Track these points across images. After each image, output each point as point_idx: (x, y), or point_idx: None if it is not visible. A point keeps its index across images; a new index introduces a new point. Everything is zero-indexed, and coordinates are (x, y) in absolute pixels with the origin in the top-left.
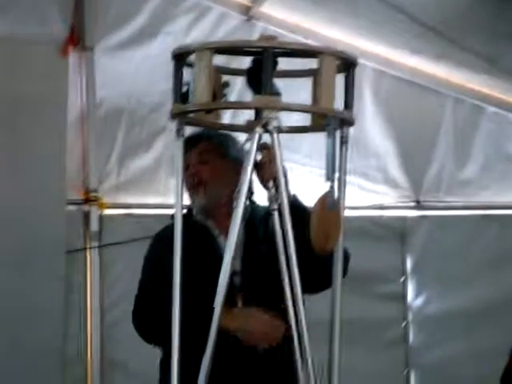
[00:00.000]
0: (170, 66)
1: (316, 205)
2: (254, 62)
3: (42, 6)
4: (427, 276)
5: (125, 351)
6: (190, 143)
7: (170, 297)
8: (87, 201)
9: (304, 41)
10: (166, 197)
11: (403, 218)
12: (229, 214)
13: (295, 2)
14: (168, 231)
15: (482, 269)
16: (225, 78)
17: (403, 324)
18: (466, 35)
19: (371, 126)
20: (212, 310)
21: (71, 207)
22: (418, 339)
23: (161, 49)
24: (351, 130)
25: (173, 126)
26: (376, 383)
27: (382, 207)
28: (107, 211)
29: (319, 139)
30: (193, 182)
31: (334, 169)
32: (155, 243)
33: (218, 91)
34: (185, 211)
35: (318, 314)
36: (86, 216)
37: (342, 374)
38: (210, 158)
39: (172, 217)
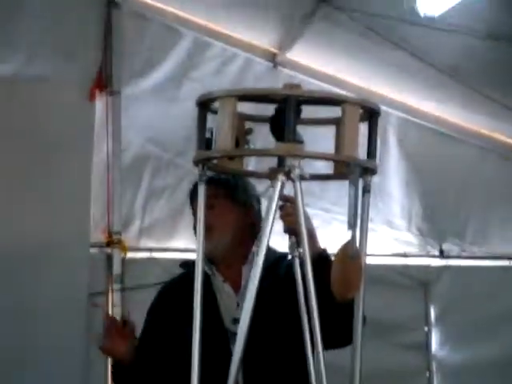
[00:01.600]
0: (195, 111)
1: (338, 253)
2: (277, 109)
3: (72, 50)
4: (451, 326)
5: None
6: (195, 189)
7: (160, 351)
8: (110, 243)
9: (329, 88)
10: (189, 241)
11: (427, 267)
12: (235, 260)
13: (321, 50)
14: (173, 283)
15: (505, 319)
16: (249, 124)
17: (427, 374)
18: (491, 85)
19: (396, 174)
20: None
21: (94, 250)
22: None
23: (186, 94)
24: (376, 177)
25: (197, 171)
26: None
27: (405, 255)
28: (130, 254)
29: (343, 186)
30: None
31: (357, 217)
32: (158, 296)
33: (241, 138)
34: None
35: (340, 361)
36: (109, 259)
37: None
38: (217, 202)
39: (181, 265)
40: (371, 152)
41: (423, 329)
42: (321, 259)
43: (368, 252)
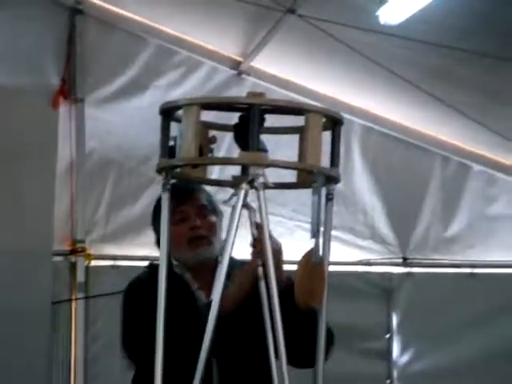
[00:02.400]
0: (158, 119)
1: (301, 260)
2: (241, 118)
3: (35, 58)
4: (412, 333)
5: None
6: (183, 194)
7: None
8: (73, 252)
9: (294, 97)
10: (152, 249)
11: (389, 275)
12: (208, 269)
13: (285, 58)
14: (145, 279)
15: (467, 326)
16: (212, 133)
17: (388, 381)
18: (453, 93)
19: (359, 182)
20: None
21: (58, 258)
22: None
23: (151, 102)
24: (339, 185)
25: (160, 179)
26: None
27: (368, 263)
28: (93, 262)
29: (306, 194)
30: (196, 234)
31: (320, 225)
32: (133, 291)
33: (205, 146)
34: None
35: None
36: (73, 267)
37: None
38: (207, 212)
39: (148, 266)
40: (334, 160)
41: (385, 336)
42: (287, 288)
43: (331, 259)
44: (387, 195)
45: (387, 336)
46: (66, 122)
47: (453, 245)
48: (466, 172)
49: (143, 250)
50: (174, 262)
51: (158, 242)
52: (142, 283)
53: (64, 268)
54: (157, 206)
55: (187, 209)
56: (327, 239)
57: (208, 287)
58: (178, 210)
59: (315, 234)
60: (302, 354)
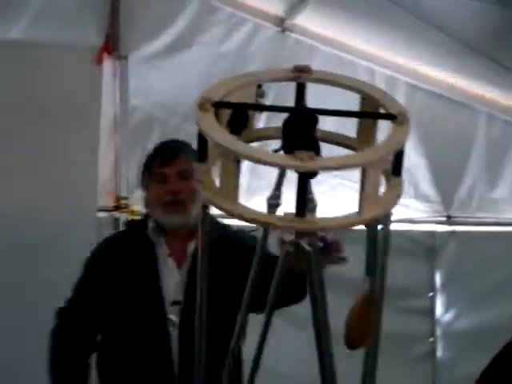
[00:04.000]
0: (202, 76)
1: (357, 303)
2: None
3: (79, 14)
4: (456, 291)
5: None
6: (167, 155)
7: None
8: (117, 208)
9: (337, 54)
10: None
11: (433, 233)
12: (182, 236)
13: (330, 15)
14: (109, 242)
15: (510, 286)
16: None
17: (431, 339)
18: (500, 52)
19: None
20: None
21: (102, 214)
22: (445, 355)
23: (195, 59)
24: None
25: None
26: None
27: (411, 221)
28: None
29: (349, 151)
30: (172, 199)
31: (376, 265)
32: (92, 253)
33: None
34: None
35: None
36: (117, 223)
37: None
38: (190, 175)
39: (128, 223)
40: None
41: (428, 295)
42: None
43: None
44: (431, 153)
45: (431, 294)
46: (110, 78)
47: (498, 204)
48: None
49: None
50: (150, 225)
51: (145, 202)
52: (101, 250)
53: (108, 224)
54: (144, 165)
55: (169, 171)
56: (382, 277)
57: (179, 255)
58: (159, 171)
59: (370, 273)
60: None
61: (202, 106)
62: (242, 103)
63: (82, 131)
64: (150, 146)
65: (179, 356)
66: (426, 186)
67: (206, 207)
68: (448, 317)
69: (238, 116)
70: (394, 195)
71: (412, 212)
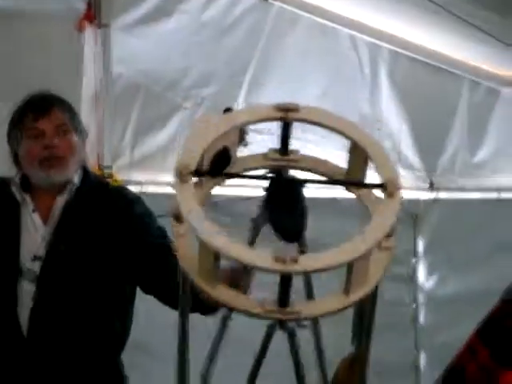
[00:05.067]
0: (185, 44)
1: (342, 365)
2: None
3: None
4: (438, 258)
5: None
6: (41, 109)
7: None
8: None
9: (320, 21)
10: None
11: (416, 201)
12: (51, 192)
13: None
14: None
15: (493, 251)
16: None
17: (413, 306)
18: (483, 15)
19: (386, 107)
20: None
21: None
22: (428, 321)
23: (177, 27)
24: (367, 109)
25: (188, 104)
26: (385, 365)
27: None
28: None
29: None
30: (50, 155)
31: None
32: None
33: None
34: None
35: None
36: None
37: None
38: (68, 130)
39: None
40: None
41: (411, 261)
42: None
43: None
44: (414, 120)
45: (413, 261)
46: (92, 46)
47: (480, 170)
48: (495, 96)
49: (170, 176)
50: (15, 183)
51: (13, 159)
52: None
53: None
54: (14, 118)
55: (44, 125)
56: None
57: (45, 210)
58: (33, 125)
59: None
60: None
61: (180, 174)
62: (223, 171)
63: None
64: (133, 114)
65: (32, 312)
66: (409, 153)
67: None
68: (430, 283)
69: (221, 158)
70: (384, 265)
71: None
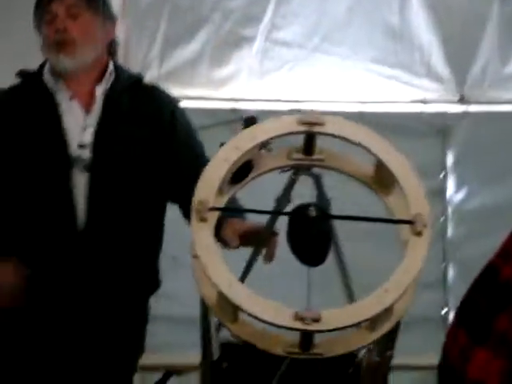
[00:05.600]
0: None
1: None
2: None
3: None
4: (468, 172)
5: None
6: None
7: None
8: None
9: None
10: (207, 89)
11: (445, 114)
12: (88, 78)
13: None
14: (6, 98)
15: None
16: None
17: (442, 218)
18: None
19: (416, 19)
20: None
21: None
22: (456, 234)
23: None
24: (395, 20)
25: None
26: None
27: (423, 101)
28: None
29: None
30: (60, 38)
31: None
32: None
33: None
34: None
35: None
36: None
37: (377, 271)
38: (81, 12)
39: (19, 74)
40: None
41: (440, 175)
42: None
43: (386, 99)
44: (444, 32)
45: (442, 174)
46: None
47: (511, 82)
48: None
49: (198, 89)
50: (46, 70)
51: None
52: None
53: None
54: (36, 3)
55: (56, 7)
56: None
57: (85, 98)
58: (48, 8)
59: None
60: None
61: (198, 213)
62: (236, 209)
63: None
64: (161, 26)
65: (89, 200)
66: (439, 65)
67: None
68: (459, 196)
69: (242, 169)
70: (408, 300)
71: (423, 92)
